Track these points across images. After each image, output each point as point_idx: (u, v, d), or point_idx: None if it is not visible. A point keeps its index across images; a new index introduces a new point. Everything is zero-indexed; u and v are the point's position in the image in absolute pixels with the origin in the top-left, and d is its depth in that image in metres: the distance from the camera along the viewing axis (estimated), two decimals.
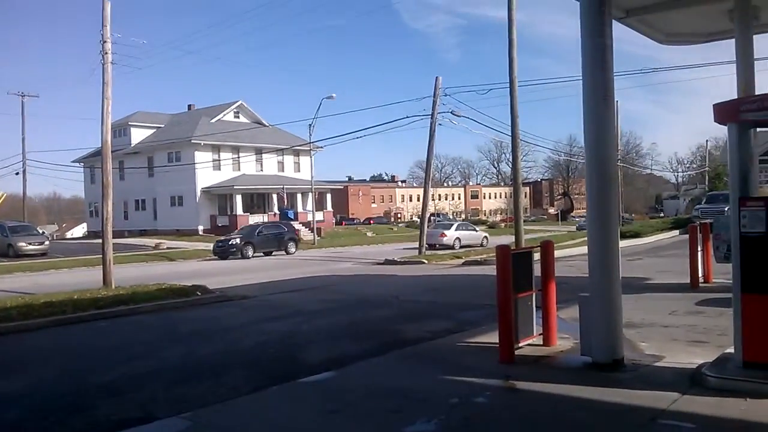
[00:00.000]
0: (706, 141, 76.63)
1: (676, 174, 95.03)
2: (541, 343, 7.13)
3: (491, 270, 18.82)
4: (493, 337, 7.48)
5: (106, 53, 16.37)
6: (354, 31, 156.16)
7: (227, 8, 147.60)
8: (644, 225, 33.24)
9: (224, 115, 52.51)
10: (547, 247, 7.23)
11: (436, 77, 26.39)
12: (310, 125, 42.24)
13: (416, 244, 28.35)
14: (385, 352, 7.49)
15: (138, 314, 12.33)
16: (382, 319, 10.51)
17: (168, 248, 37.15)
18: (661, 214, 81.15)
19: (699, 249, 11.74)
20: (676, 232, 28.70)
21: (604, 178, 6.15)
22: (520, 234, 21.49)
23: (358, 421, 4.97)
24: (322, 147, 49.68)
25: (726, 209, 26.86)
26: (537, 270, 7.07)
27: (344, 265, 24.79)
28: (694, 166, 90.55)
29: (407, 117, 26.73)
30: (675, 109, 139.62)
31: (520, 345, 6.82)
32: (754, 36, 7.96)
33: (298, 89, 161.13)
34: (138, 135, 52.55)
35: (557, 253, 22.84)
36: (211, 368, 7.44)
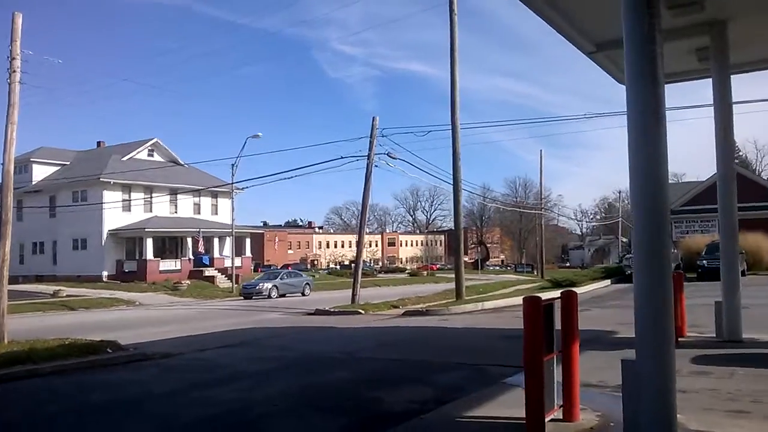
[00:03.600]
0: (619, 192, 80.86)
1: (580, 224, 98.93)
2: (562, 417, 5.87)
3: (438, 321, 17.45)
4: (496, 410, 6.21)
5: (14, 71, 14.30)
6: (275, 76, 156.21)
7: (146, 44, 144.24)
8: (578, 274, 33.19)
9: (137, 153, 49.22)
10: (570, 298, 6.02)
11: (373, 117, 25.15)
12: (233, 165, 40.51)
13: (342, 293, 26.71)
14: None
15: (38, 376, 10.26)
16: (344, 383, 8.90)
17: (68, 296, 33.68)
18: (567, 264, 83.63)
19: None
20: (608, 281, 28.50)
21: (656, 212, 5.02)
22: (461, 282, 20.44)
23: None
24: (242, 189, 47.13)
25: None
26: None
27: (271, 316, 22.88)
28: (598, 217, 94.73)
29: (342, 157, 25.34)
30: (579, 162, 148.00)
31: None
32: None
33: (217, 130, 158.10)
34: (40, 172, 48.49)
35: (501, 302, 21.62)
36: None
